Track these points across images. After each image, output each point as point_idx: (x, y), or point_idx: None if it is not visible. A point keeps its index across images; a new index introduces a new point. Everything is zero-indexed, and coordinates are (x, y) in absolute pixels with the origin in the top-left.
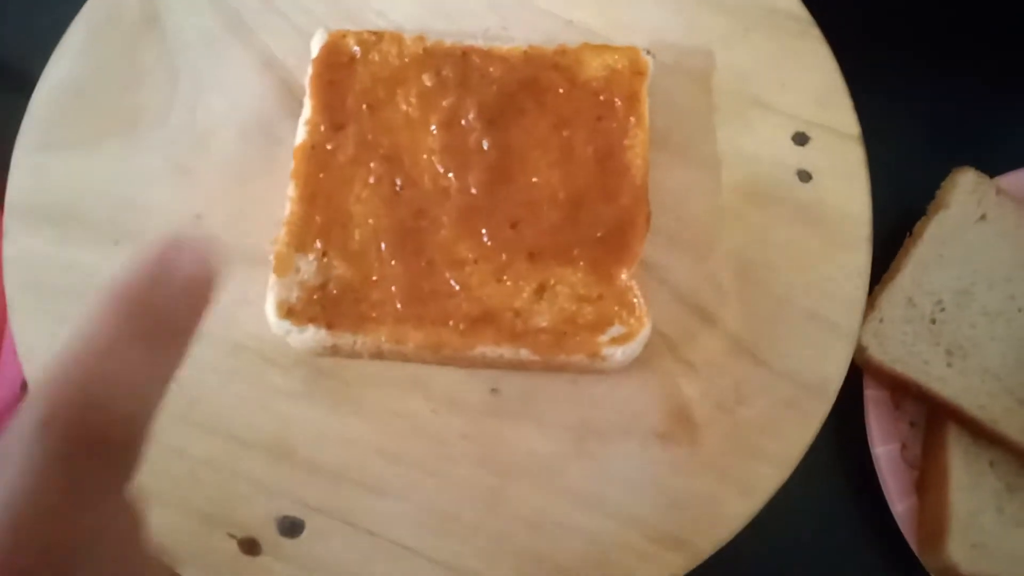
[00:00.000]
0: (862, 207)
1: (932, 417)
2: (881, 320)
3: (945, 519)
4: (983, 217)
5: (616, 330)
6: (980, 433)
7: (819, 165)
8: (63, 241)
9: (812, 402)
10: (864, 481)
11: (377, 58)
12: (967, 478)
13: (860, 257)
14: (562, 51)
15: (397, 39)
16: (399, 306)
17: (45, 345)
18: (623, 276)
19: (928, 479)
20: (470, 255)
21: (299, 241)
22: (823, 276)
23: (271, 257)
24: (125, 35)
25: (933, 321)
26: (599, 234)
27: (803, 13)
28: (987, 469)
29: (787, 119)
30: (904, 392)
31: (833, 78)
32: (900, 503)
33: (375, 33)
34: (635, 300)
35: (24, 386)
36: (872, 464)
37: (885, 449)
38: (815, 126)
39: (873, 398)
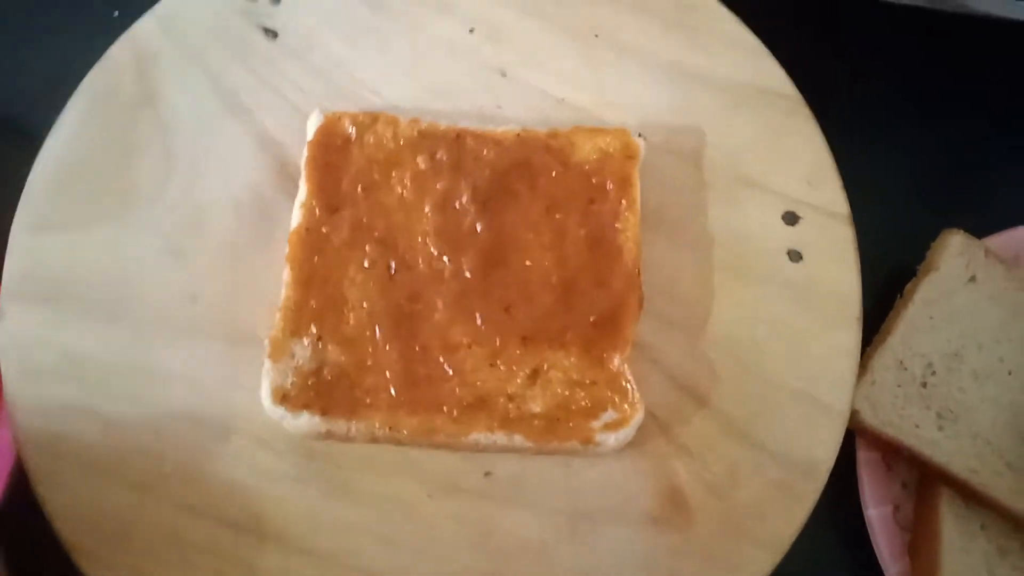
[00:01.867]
0: (851, 287)
1: (924, 480)
2: (873, 383)
3: None
4: (972, 279)
5: (609, 416)
6: (971, 496)
7: (809, 245)
8: (58, 323)
9: (803, 484)
10: (857, 542)
11: (372, 140)
12: (958, 541)
13: (850, 337)
14: (554, 134)
15: (392, 121)
16: (393, 392)
17: (41, 426)
18: (616, 361)
19: (920, 541)
20: (464, 339)
21: (294, 326)
22: (813, 356)
23: (266, 341)
24: (122, 113)
25: (924, 384)
26: (592, 318)
27: (792, 91)
28: (978, 532)
29: (777, 198)
30: (896, 454)
31: (822, 157)
32: (893, 566)
33: (370, 115)
34: (628, 385)
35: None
36: (864, 525)
37: (878, 512)
38: (805, 205)
39: (866, 460)
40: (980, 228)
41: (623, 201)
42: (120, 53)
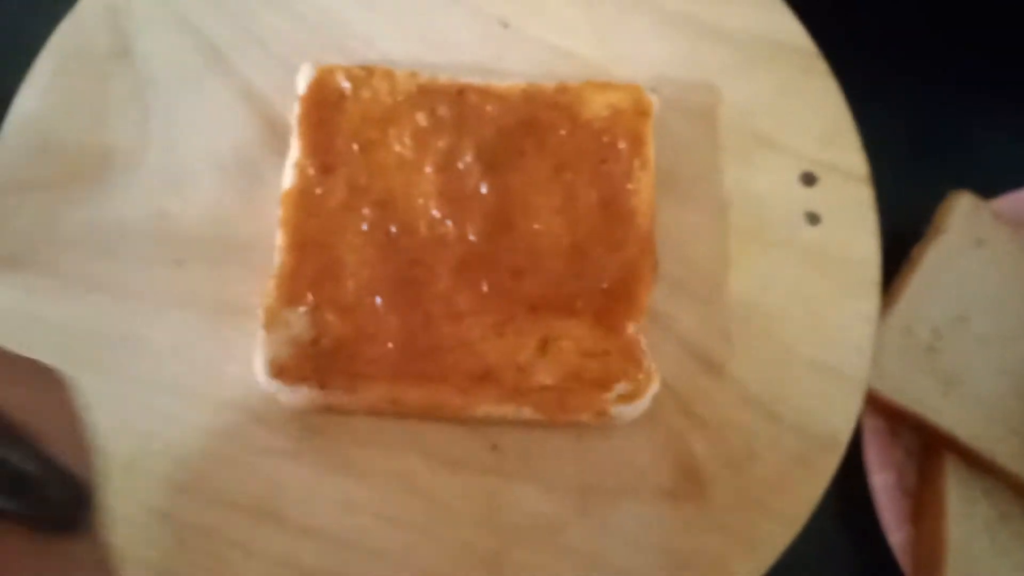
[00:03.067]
0: (871, 251)
1: (928, 446)
2: (880, 349)
3: (940, 548)
4: (979, 242)
5: (623, 387)
6: (975, 462)
7: (828, 207)
8: (32, 290)
9: (822, 456)
10: (860, 509)
11: (368, 95)
12: (961, 506)
13: (869, 303)
14: (563, 89)
15: (389, 75)
16: (396, 363)
17: None
18: (630, 329)
19: (923, 508)
20: (469, 307)
21: (289, 294)
22: (832, 324)
23: (259, 310)
24: (95, 69)
25: (930, 349)
26: (604, 285)
27: (809, 46)
28: (980, 497)
29: (794, 158)
30: (901, 421)
31: (841, 115)
32: (896, 532)
33: (366, 68)
34: (642, 355)
35: None
36: (868, 492)
37: (882, 478)
38: (823, 166)
39: (871, 427)
40: (989, 190)
41: (636, 161)
42: (91, 4)
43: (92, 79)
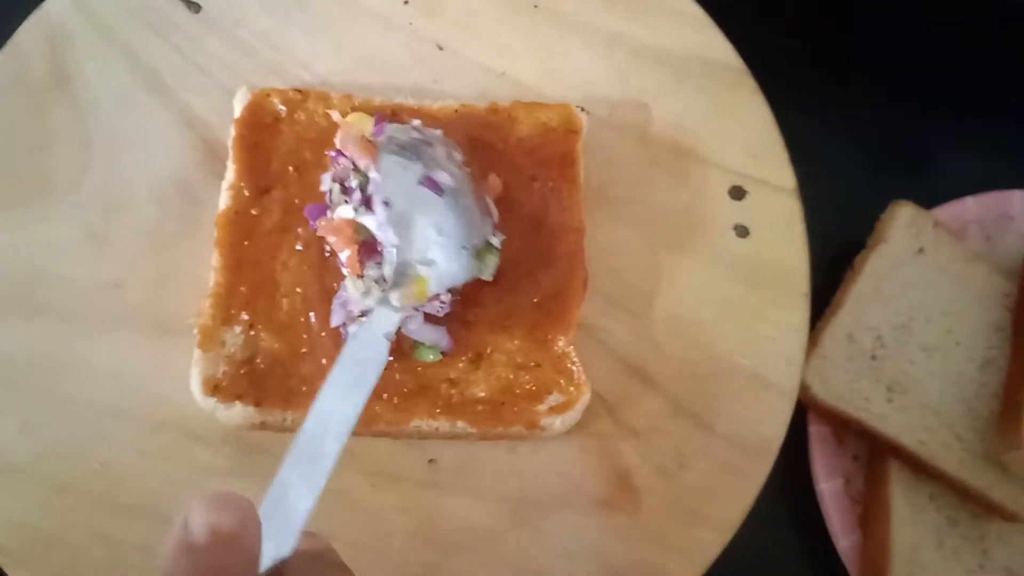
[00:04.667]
0: (799, 263)
1: (873, 452)
2: (824, 357)
3: (887, 553)
4: (921, 250)
5: (554, 399)
6: (920, 468)
7: (756, 220)
8: None
9: (752, 464)
10: (808, 515)
11: (303, 117)
12: (908, 512)
13: (798, 314)
14: (494, 109)
15: (323, 97)
16: None
17: None
18: (560, 343)
19: (870, 514)
20: None
21: (224, 313)
22: (761, 334)
23: (195, 330)
24: (33, 98)
25: (873, 357)
26: (535, 300)
27: (737, 63)
28: (927, 503)
29: (723, 173)
30: (847, 428)
31: (768, 130)
32: (844, 539)
33: (300, 91)
34: (573, 367)
35: None
36: (816, 498)
37: (829, 485)
38: (751, 180)
39: (817, 434)
40: (929, 199)
41: (566, 178)
42: (31, 33)
43: (31, 107)
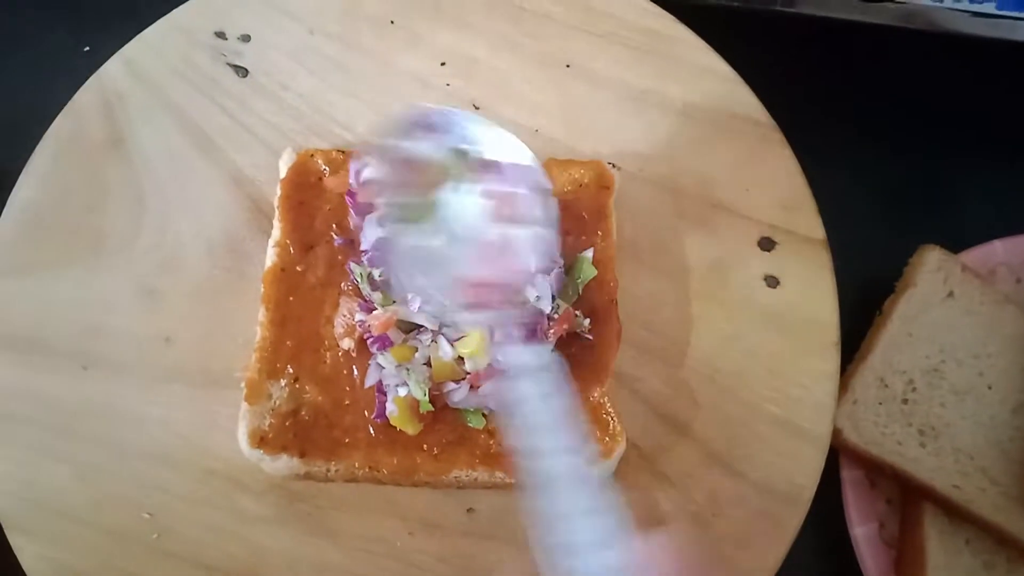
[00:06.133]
0: (829, 312)
1: (907, 496)
2: (855, 402)
3: None
4: (950, 294)
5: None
6: (955, 512)
7: (786, 270)
8: (29, 367)
9: (786, 512)
10: (842, 560)
11: (345, 177)
12: (943, 557)
13: (828, 363)
14: None
15: None
16: (372, 431)
17: (12, 473)
18: (596, 393)
19: (905, 558)
20: None
21: (270, 367)
22: (793, 383)
23: (242, 384)
24: (90, 157)
25: (905, 401)
26: (571, 351)
27: (765, 117)
28: (963, 547)
29: (753, 224)
30: (880, 472)
31: (797, 182)
32: None
33: (342, 151)
34: (609, 417)
35: None
36: (850, 543)
37: (863, 530)
38: (781, 231)
39: (850, 479)
40: (956, 244)
41: (599, 232)
42: (87, 96)
43: (87, 167)
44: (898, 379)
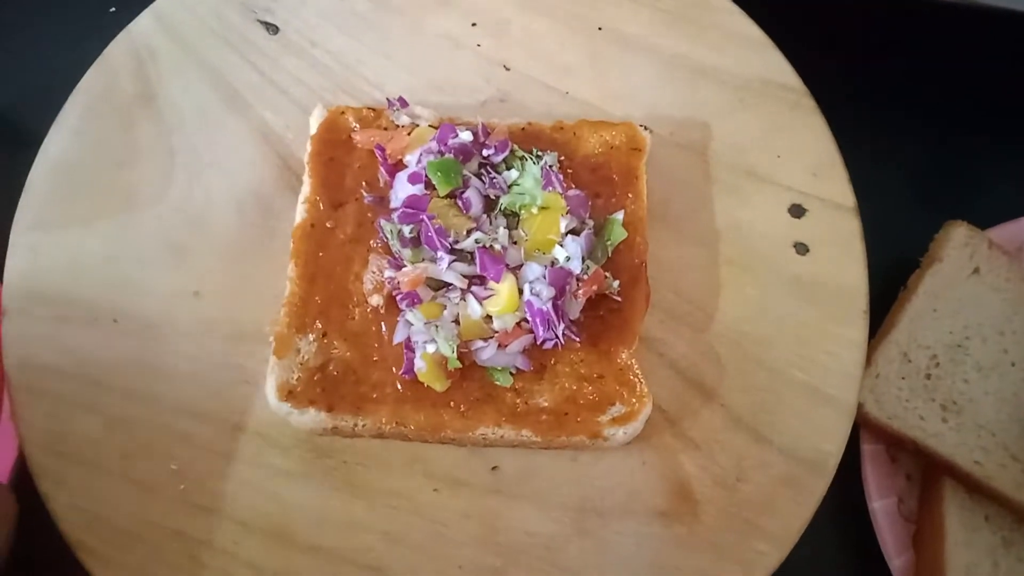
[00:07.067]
0: (859, 280)
1: (928, 471)
2: (877, 376)
3: (942, 574)
4: (976, 271)
5: (617, 409)
6: (975, 488)
7: (816, 238)
8: (61, 321)
9: (811, 479)
10: (861, 534)
11: (376, 134)
12: (963, 533)
13: (857, 331)
14: (559, 127)
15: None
16: (399, 387)
17: (43, 424)
18: (623, 355)
19: (924, 533)
20: None
21: (299, 322)
22: (820, 350)
23: (271, 338)
24: (120, 113)
25: (928, 376)
26: (599, 313)
27: (797, 83)
28: (983, 524)
29: (783, 191)
30: (900, 447)
31: (828, 149)
32: (897, 557)
33: (373, 109)
34: (636, 379)
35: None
36: (869, 517)
37: (882, 504)
38: (811, 198)
39: (870, 453)
40: (983, 219)
41: (629, 195)
42: (118, 52)
43: (117, 122)
44: (922, 354)
